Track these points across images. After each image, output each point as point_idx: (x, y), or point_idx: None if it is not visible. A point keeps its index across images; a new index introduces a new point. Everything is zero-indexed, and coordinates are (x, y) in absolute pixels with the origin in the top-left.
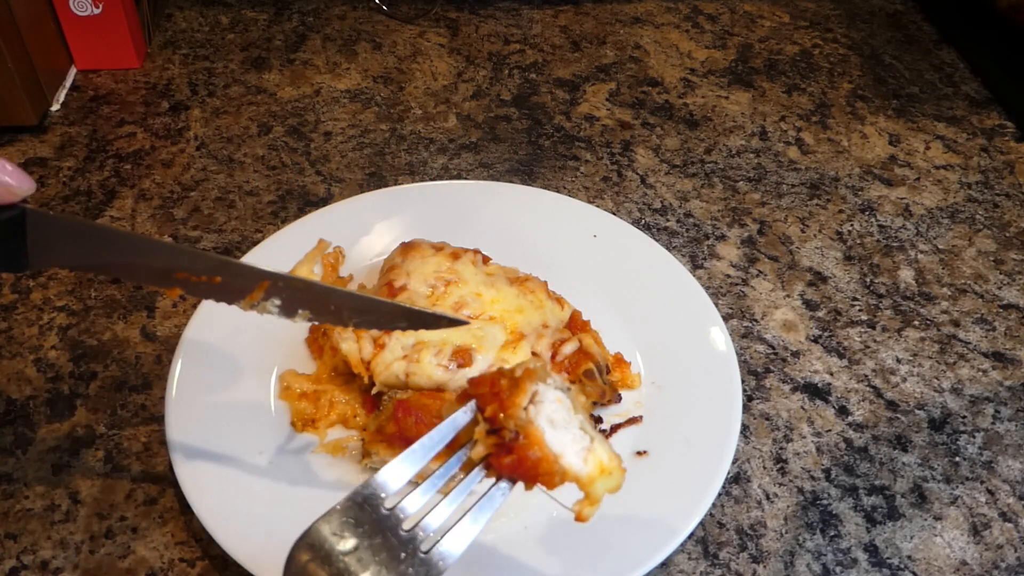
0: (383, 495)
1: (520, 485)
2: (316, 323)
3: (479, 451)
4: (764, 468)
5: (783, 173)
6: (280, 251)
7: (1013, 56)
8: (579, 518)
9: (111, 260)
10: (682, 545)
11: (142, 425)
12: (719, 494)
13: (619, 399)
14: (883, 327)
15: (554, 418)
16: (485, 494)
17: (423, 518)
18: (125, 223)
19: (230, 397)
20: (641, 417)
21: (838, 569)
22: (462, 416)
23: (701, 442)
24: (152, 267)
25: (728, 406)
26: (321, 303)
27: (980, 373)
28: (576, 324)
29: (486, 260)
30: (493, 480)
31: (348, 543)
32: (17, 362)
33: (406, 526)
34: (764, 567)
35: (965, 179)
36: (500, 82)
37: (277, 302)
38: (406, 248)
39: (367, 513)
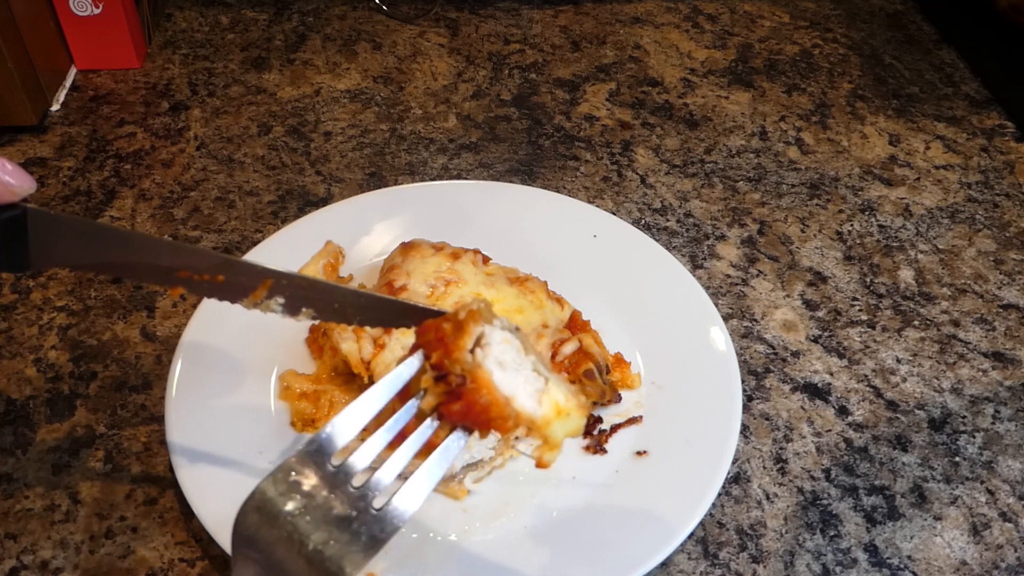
0: (330, 451)
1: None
2: (320, 321)
3: (429, 400)
4: (764, 468)
5: (783, 173)
6: (280, 251)
7: (1013, 56)
8: (539, 464)
9: (113, 259)
10: (682, 545)
11: (142, 425)
12: (719, 494)
13: (619, 399)
14: (883, 327)
15: (503, 360)
16: (439, 446)
17: (374, 473)
18: (125, 223)
19: (230, 397)
20: (641, 417)
21: (838, 569)
22: (408, 366)
23: (701, 442)
24: (154, 266)
25: (728, 406)
26: (325, 301)
27: (980, 373)
28: (576, 324)
29: (486, 260)
30: (447, 431)
31: (296, 503)
32: (17, 362)
33: (356, 483)
34: (764, 567)
35: (965, 179)
36: (500, 82)
37: (280, 300)
38: (406, 248)
39: (315, 470)
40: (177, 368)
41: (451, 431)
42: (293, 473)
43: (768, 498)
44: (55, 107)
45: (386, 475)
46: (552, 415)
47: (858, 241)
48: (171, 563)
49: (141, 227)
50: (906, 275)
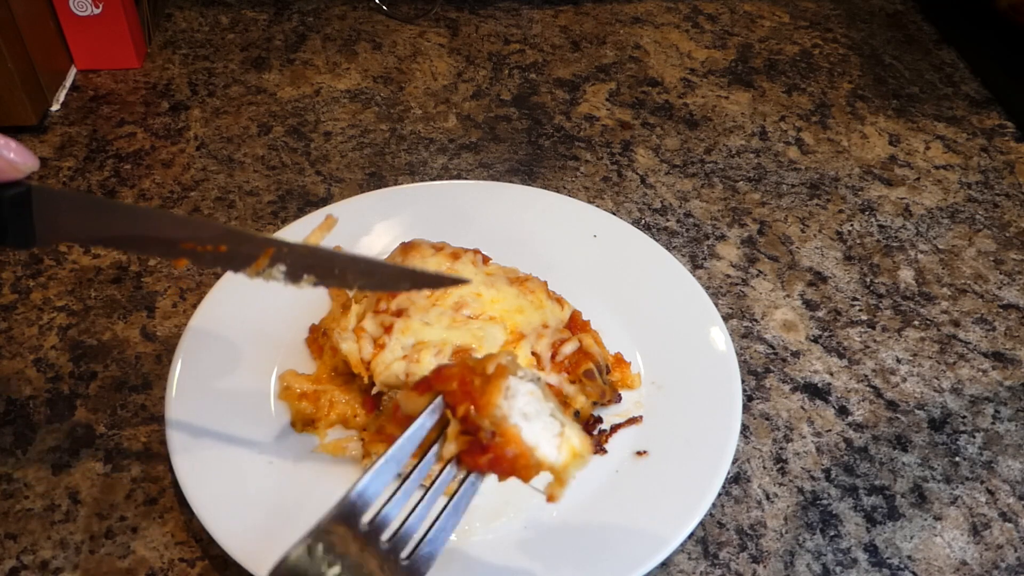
0: (362, 510)
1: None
2: (322, 287)
3: (451, 449)
4: (764, 468)
5: (783, 173)
6: None
7: (1013, 56)
8: (551, 499)
9: (118, 232)
10: (682, 545)
11: (142, 425)
12: (719, 494)
13: (619, 399)
14: (883, 327)
15: (527, 411)
16: (458, 490)
17: (402, 526)
18: None
19: (230, 397)
20: (641, 417)
21: (838, 569)
22: (430, 417)
23: (701, 442)
24: (158, 238)
25: (728, 406)
26: (326, 267)
27: (980, 373)
28: (576, 324)
29: (486, 260)
30: (464, 474)
31: (333, 566)
32: (17, 362)
33: (384, 536)
34: (764, 567)
35: (965, 179)
36: (500, 82)
37: (282, 268)
38: (406, 248)
39: (348, 530)
40: (177, 368)
41: (468, 475)
42: (326, 534)
43: (768, 498)
44: (55, 107)
45: (412, 525)
46: (569, 459)
47: (858, 241)
48: (171, 563)
49: None
50: (906, 275)
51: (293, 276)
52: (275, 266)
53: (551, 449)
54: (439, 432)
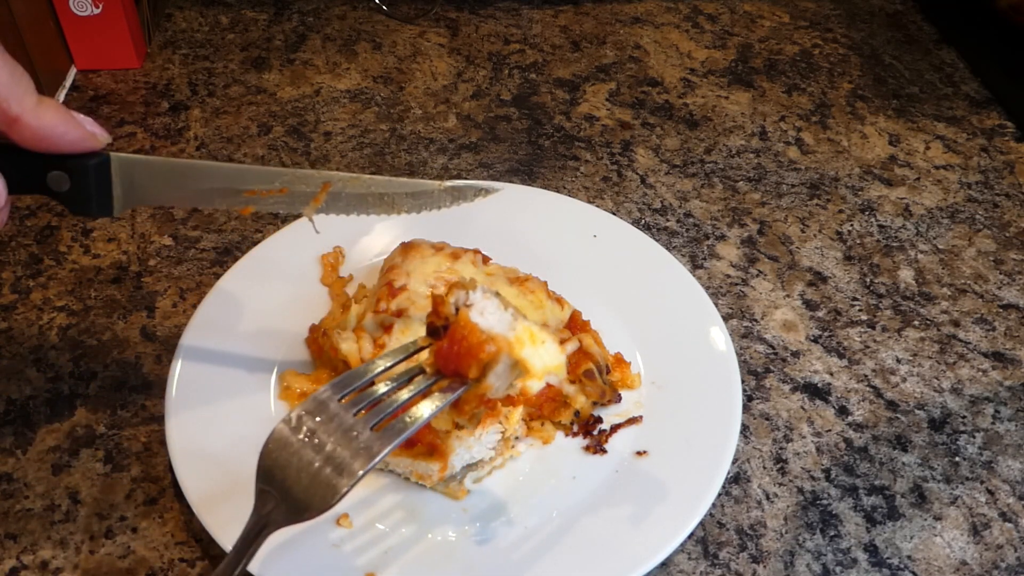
0: (338, 394)
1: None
2: (374, 215)
3: (427, 358)
4: (764, 468)
5: (783, 173)
6: (280, 251)
7: (1013, 56)
8: (523, 392)
9: (188, 191)
10: (682, 545)
11: (142, 425)
12: (719, 494)
13: (619, 399)
14: (883, 327)
15: (484, 311)
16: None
17: (375, 406)
18: (125, 223)
19: (230, 397)
20: (641, 417)
21: (838, 569)
22: (411, 345)
23: (701, 442)
24: (225, 189)
25: (728, 406)
26: (377, 196)
27: (980, 373)
28: (576, 324)
29: (486, 260)
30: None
31: (304, 432)
32: (17, 362)
33: (359, 412)
34: (764, 567)
35: (965, 179)
36: (500, 82)
37: (340, 202)
38: (406, 248)
39: (325, 409)
40: (177, 368)
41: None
42: (304, 411)
43: (768, 498)
44: None
45: (385, 407)
46: (525, 339)
47: (858, 241)
48: (171, 563)
49: (141, 227)
50: (906, 275)
51: (349, 208)
52: (332, 201)
53: (505, 329)
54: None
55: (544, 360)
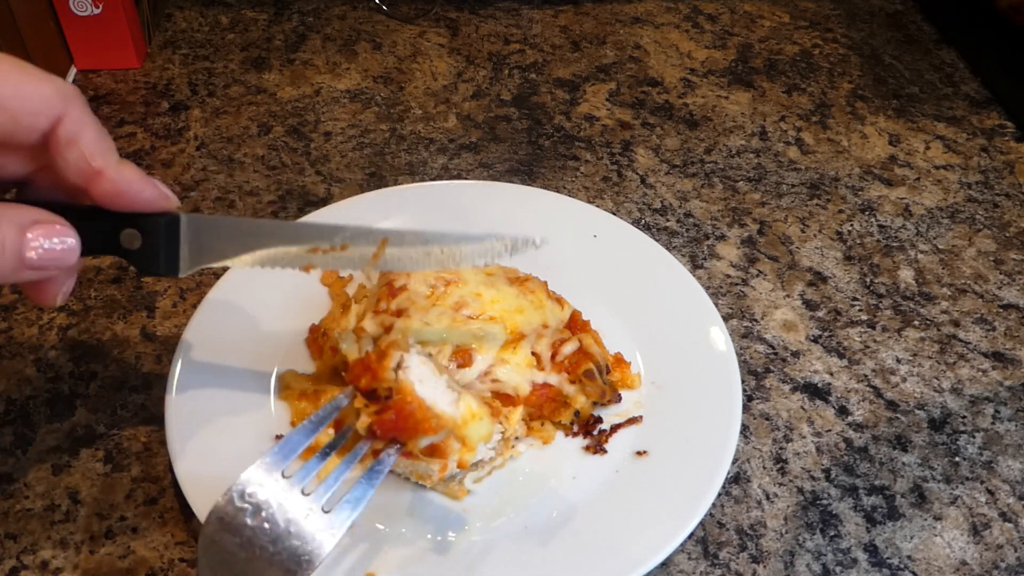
0: (278, 467)
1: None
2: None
3: (363, 421)
4: (764, 468)
5: (783, 173)
6: None
7: (1013, 56)
8: (460, 465)
9: (254, 249)
10: (682, 545)
11: (142, 425)
12: (719, 494)
13: (619, 399)
14: (883, 327)
15: (422, 378)
16: (375, 461)
17: (320, 482)
18: None
19: (230, 397)
20: (641, 417)
21: (838, 569)
22: (342, 399)
23: (701, 442)
24: (289, 249)
25: (728, 406)
26: (433, 249)
27: (980, 373)
28: (576, 324)
29: None
30: (382, 448)
31: (253, 513)
32: (17, 362)
33: (306, 490)
34: (764, 567)
35: (965, 179)
36: (500, 82)
37: (397, 258)
38: None
39: (266, 483)
40: (177, 368)
41: (385, 447)
42: (247, 487)
43: (768, 498)
44: None
45: (330, 481)
46: (468, 417)
47: (858, 241)
48: (171, 563)
49: None
50: (906, 275)
51: (407, 264)
52: (391, 256)
53: (449, 407)
54: (352, 415)
55: (479, 432)
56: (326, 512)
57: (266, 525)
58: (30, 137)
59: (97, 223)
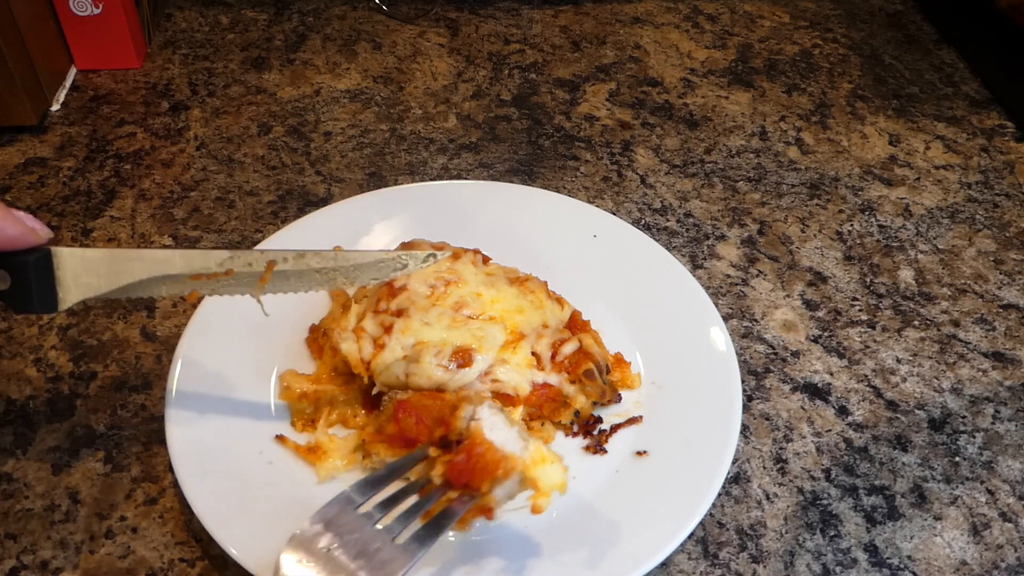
0: (355, 503)
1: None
2: (326, 290)
3: (438, 470)
4: (764, 468)
5: (783, 173)
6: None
7: (1013, 56)
8: (535, 510)
9: (132, 280)
10: (682, 545)
11: (142, 425)
12: (719, 494)
13: (619, 399)
14: (883, 327)
15: (493, 426)
16: (447, 507)
17: (394, 520)
18: (125, 223)
19: (230, 397)
20: (641, 417)
21: (838, 569)
22: (419, 452)
23: (701, 442)
24: (169, 276)
25: (728, 406)
26: (326, 271)
27: (980, 373)
28: (576, 324)
29: (486, 260)
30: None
31: (328, 540)
32: (17, 362)
33: (379, 525)
34: (764, 567)
35: (965, 179)
36: (500, 82)
37: (287, 280)
38: (406, 248)
39: (343, 515)
40: (177, 368)
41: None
42: (324, 517)
43: (768, 498)
44: (55, 107)
45: (403, 518)
46: (539, 459)
47: (858, 241)
48: (171, 563)
49: (141, 227)
50: (906, 275)
51: (297, 285)
52: (279, 280)
53: (520, 451)
54: (428, 467)
55: (552, 478)
56: (397, 543)
57: (341, 552)
58: None
59: None
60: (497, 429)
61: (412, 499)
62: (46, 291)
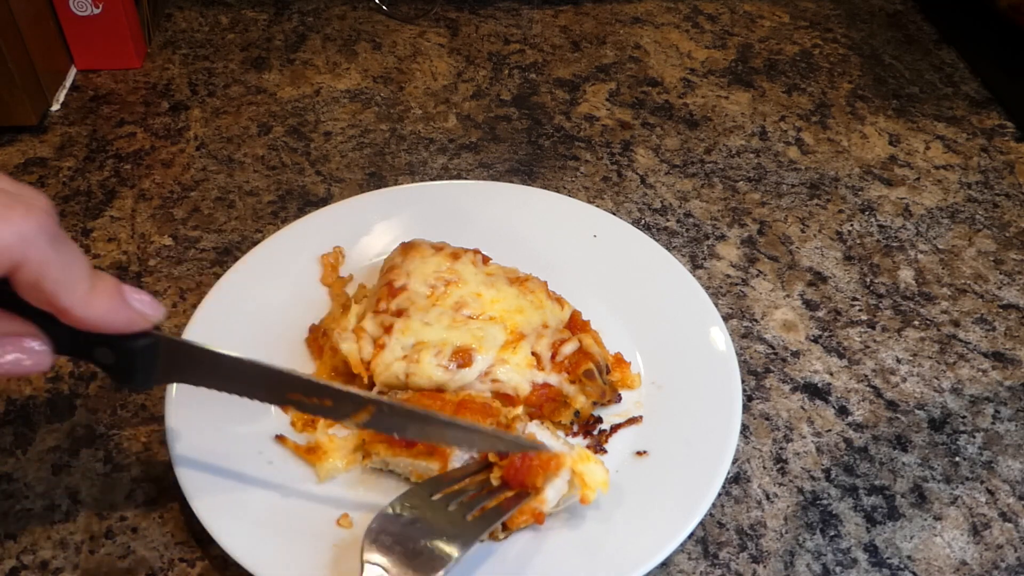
0: (431, 490)
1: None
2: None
3: (496, 473)
4: (764, 468)
5: (783, 173)
6: (280, 251)
7: (1013, 56)
8: (583, 500)
9: (229, 380)
10: (682, 545)
11: (142, 425)
12: (719, 494)
13: (619, 399)
14: (883, 327)
15: (542, 437)
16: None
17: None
18: (125, 223)
19: (230, 397)
20: (641, 417)
21: (838, 569)
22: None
23: (701, 442)
24: (267, 387)
25: (728, 406)
26: (421, 427)
27: (980, 373)
28: (576, 324)
29: (486, 260)
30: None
31: (409, 513)
32: None
33: (451, 508)
34: (764, 567)
35: (965, 179)
36: (500, 82)
37: (383, 423)
38: (406, 248)
39: (421, 498)
40: None
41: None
42: (407, 499)
43: (768, 498)
44: (55, 107)
45: (473, 503)
46: (584, 458)
47: (858, 241)
48: (171, 563)
49: (141, 227)
50: (906, 275)
51: (389, 429)
52: (377, 419)
53: (565, 450)
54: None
55: (596, 476)
56: (468, 521)
57: (418, 525)
58: None
59: (69, 337)
60: (545, 438)
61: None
62: (147, 371)
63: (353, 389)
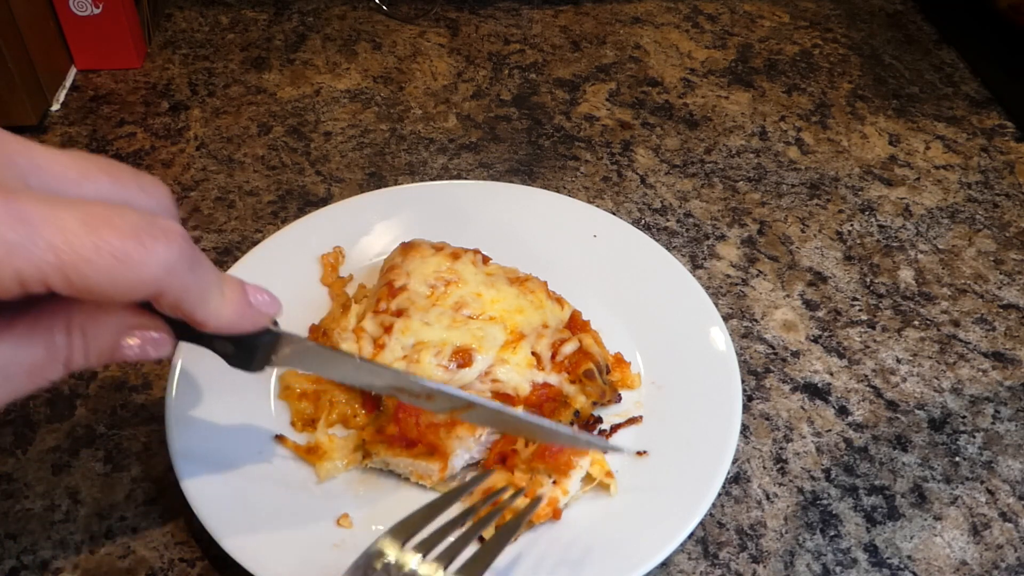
0: (407, 535)
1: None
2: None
3: (522, 467)
4: (764, 468)
5: (783, 173)
6: (280, 251)
7: (1013, 56)
8: (604, 485)
9: (343, 376)
10: (682, 545)
11: (142, 425)
12: (719, 494)
13: (619, 399)
14: (883, 327)
15: None
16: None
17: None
18: None
19: (230, 397)
20: (641, 417)
21: (838, 569)
22: (483, 477)
23: (701, 442)
24: (374, 384)
25: (728, 406)
26: (510, 425)
27: (980, 373)
28: (576, 324)
29: (486, 260)
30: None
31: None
32: None
33: (428, 557)
34: (764, 567)
35: (965, 179)
36: (500, 82)
37: (475, 415)
38: (406, 248)
39: (392, 551)
40: (177, 368)
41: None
42: (375, 549)
43: (768, 498)
44: (55, 107)
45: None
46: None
47: (858, 241)
48: (171, 563)
49: None
50: (906, 275)
51: (488, 424)
52: (468, 414)
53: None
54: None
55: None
56: (456, 571)
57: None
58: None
59: (192, 329)
60: None
61: (463, 528)
62: (263, 360)
63: (452, 389)
